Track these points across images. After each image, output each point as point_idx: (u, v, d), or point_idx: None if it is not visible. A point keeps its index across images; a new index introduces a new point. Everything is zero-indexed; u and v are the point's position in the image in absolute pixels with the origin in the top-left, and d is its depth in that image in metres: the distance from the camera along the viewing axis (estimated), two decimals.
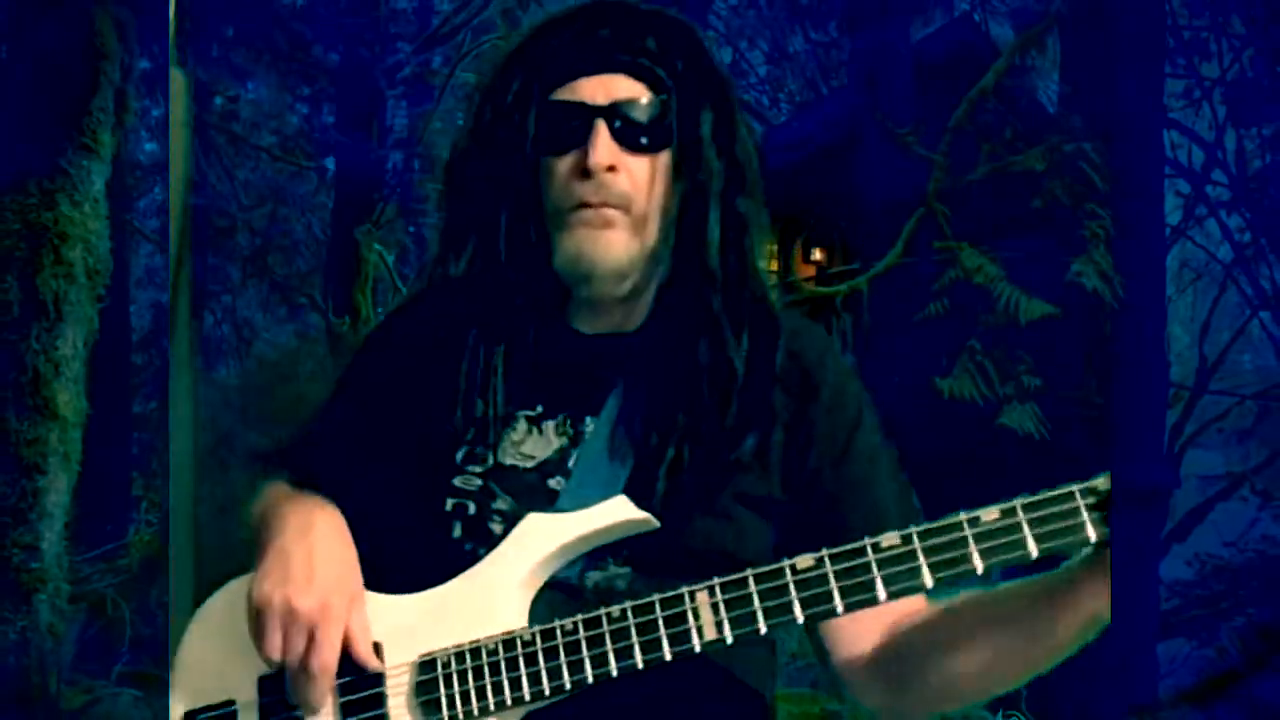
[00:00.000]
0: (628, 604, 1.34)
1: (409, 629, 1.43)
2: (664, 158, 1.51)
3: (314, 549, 1.50)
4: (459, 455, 1.53)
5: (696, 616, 1.31)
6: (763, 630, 1.34)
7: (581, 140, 1.49)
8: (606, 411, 1.51)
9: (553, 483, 1.49)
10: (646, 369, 1.51)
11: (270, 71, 11.77)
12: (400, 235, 12.34)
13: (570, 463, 1.49)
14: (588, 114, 1.48)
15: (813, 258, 12.66)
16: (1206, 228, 14.72)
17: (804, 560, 1.37)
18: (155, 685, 8.01)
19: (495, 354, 1.55)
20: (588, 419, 1.52)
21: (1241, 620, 11.40)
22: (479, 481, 1.51)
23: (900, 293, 10.30)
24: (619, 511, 1.36)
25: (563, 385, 1.54)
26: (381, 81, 12.00)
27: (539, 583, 1.38)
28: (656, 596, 1.34)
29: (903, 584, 1.42)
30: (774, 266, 12.64)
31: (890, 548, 1.40)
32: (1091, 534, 1.36)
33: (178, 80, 7.18)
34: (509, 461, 1.52)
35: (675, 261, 1.52)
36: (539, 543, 1.37)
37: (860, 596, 1.40)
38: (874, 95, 11.03)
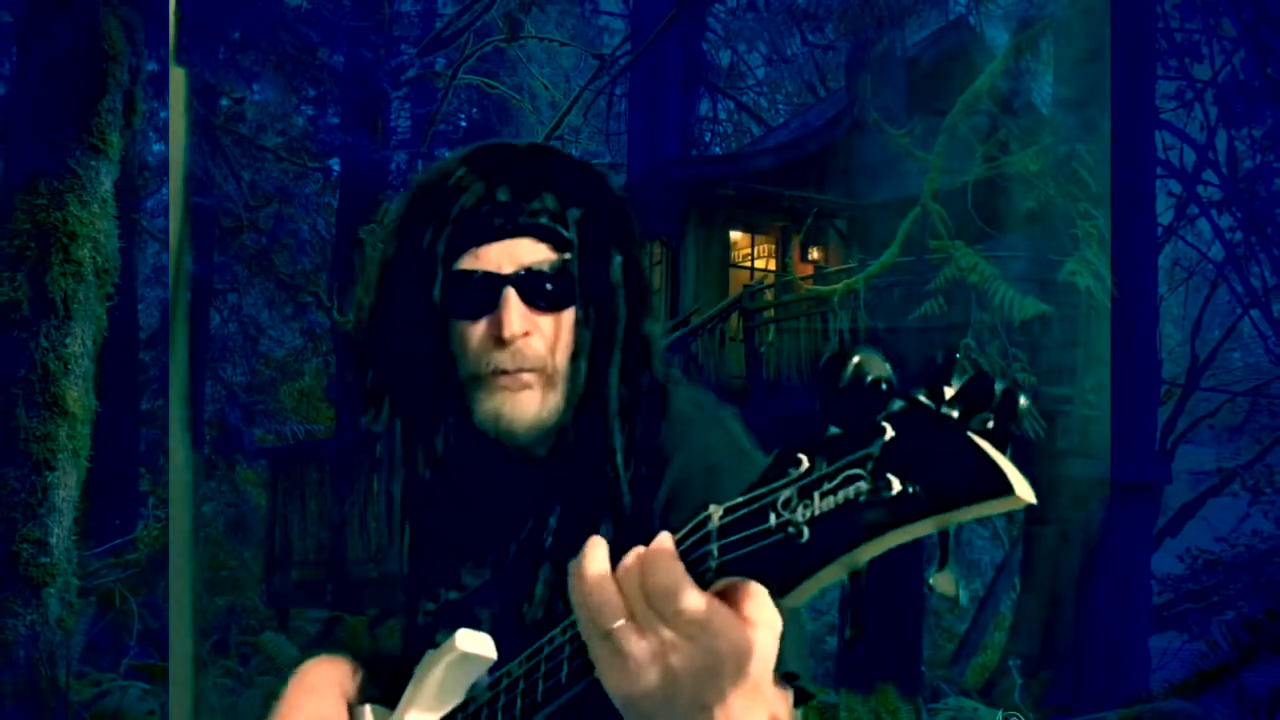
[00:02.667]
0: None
1: None
2: (571, 310, 1.52)
3: (291, 690, 1.59)
4: (424, 595, 1.63)
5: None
6: None
7: (492, 308, 1.50)
8: (517, 542, 1.56)
9: (480, 613, 1.56)
10: (549, 495, 1.54)
11: (276, 73, 11.78)
12: None
13: (488, 593, 1.57)
14: (496, 283, 1.49)
15: (810, 257, 12.66)
16: (1198, 227, 14.80)
17: None
18: (163, 678, 8.06)
19: (438, 504, 1.60)
20: (509, 548, 1.57)
21: (1232, 614, 11.43)
22: (431, 619, 1.60)
23: (896, 291, 10.32)
24: (455, 648, 1.40)
25: (491, 517, 1.59)
26: (385, 83, 12.03)
27: (437, 712, 1.43)
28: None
29: None
30: (772, 266, 12.69)
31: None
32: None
33: (178, 78, 7.20)
34: (454, 595, 1.60)
35: (583, 397, 1.51)
36: (418, 680, 1.45)
37: None
38: (870, 97, 11.05)
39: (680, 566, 1.02)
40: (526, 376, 1.49)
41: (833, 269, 11.73)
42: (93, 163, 6.39)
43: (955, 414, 0.87)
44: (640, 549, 1.06)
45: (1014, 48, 10.51)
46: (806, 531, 0.92)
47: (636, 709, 1.06)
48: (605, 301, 1.51)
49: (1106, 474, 10.22)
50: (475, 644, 1.41)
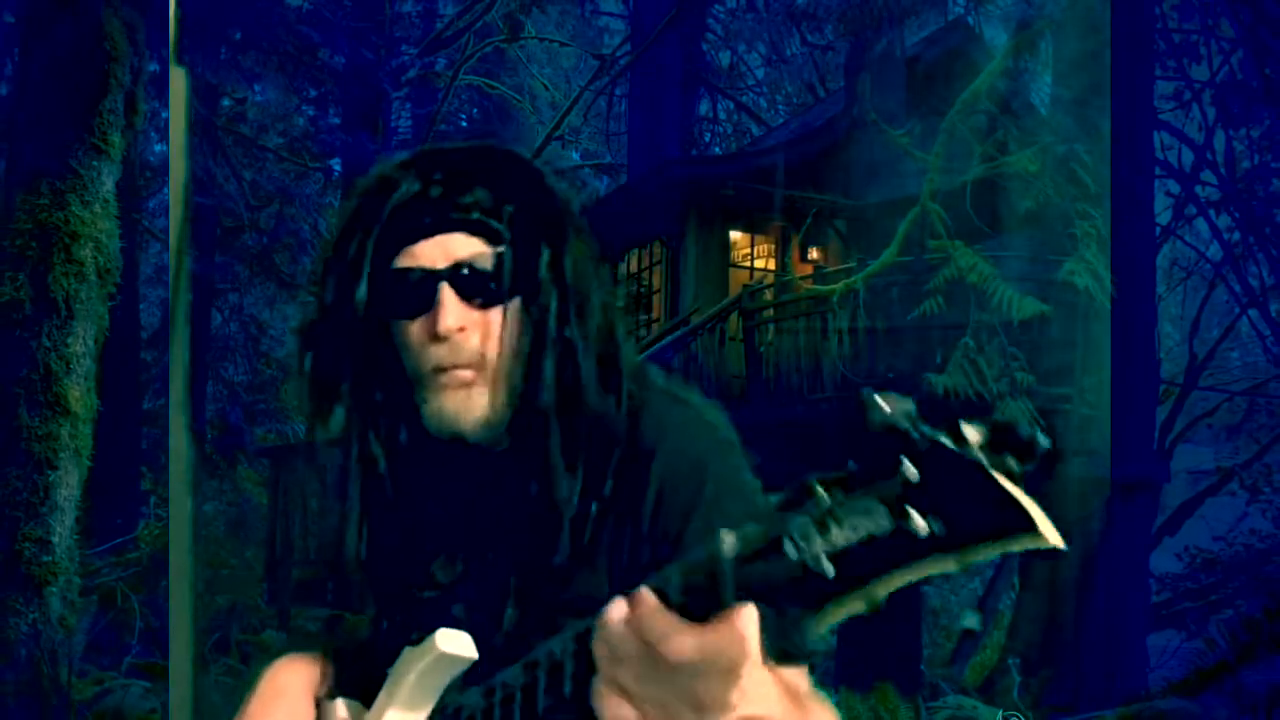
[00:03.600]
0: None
1: None
2: (511, 305, 1.51)
3: (257, 694, 1.62)
4: (397, 592, 1.63)
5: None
6: None
7: (428, 305, 1.50)
8: (477, 536, 1.57)
9: (456, 610, 1.55)
10: (502, 494, 1.54)
11: (277, 74, 11.79)
12: None
13: (462, 589, 1.57)
14: (431, 279, 1.50)
15: (810, 257, 12.68)
16: (1196, 227, 14.81)
17: None
18: (164, 676, 8.07)
19: (395, 493, 1.61)
20: (469, 545, 1.58)
21: (1230, 612, 11.43)
22: (406, 616, 1.59)
23: (896, 291, 10.34)
24: (435, 648, 1.42)
25: (460, 514, 1.59)
26: (386, 83, 12.05)
27: (417, 711, 1.46)
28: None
29: None
30: (772, 266, 12.71)
31: None
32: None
33: (179, 78, 7.20)
34: (428, 594, 1.60)
35: (524, 390, 1.51)
36: (396, 678, 1.47)
37: None
38: (870, 98, 11.06)
39: (668, 619, 1.06)
40: (464, 373, 1.50)
41: (832, 269, 11.73)
42: (94, 163, 6.40)
43: (979, 455, 0.89)
44: (631, 603, 1.08)
45: (1013, 48, 10.52)
46: (826, 564, 0.93)
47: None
48: (534, 296, 1.51)
49: (1105, 473, 10.22)
50: (455, 644, 1.43)
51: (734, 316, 11.26)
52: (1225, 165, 13.74)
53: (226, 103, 12.45)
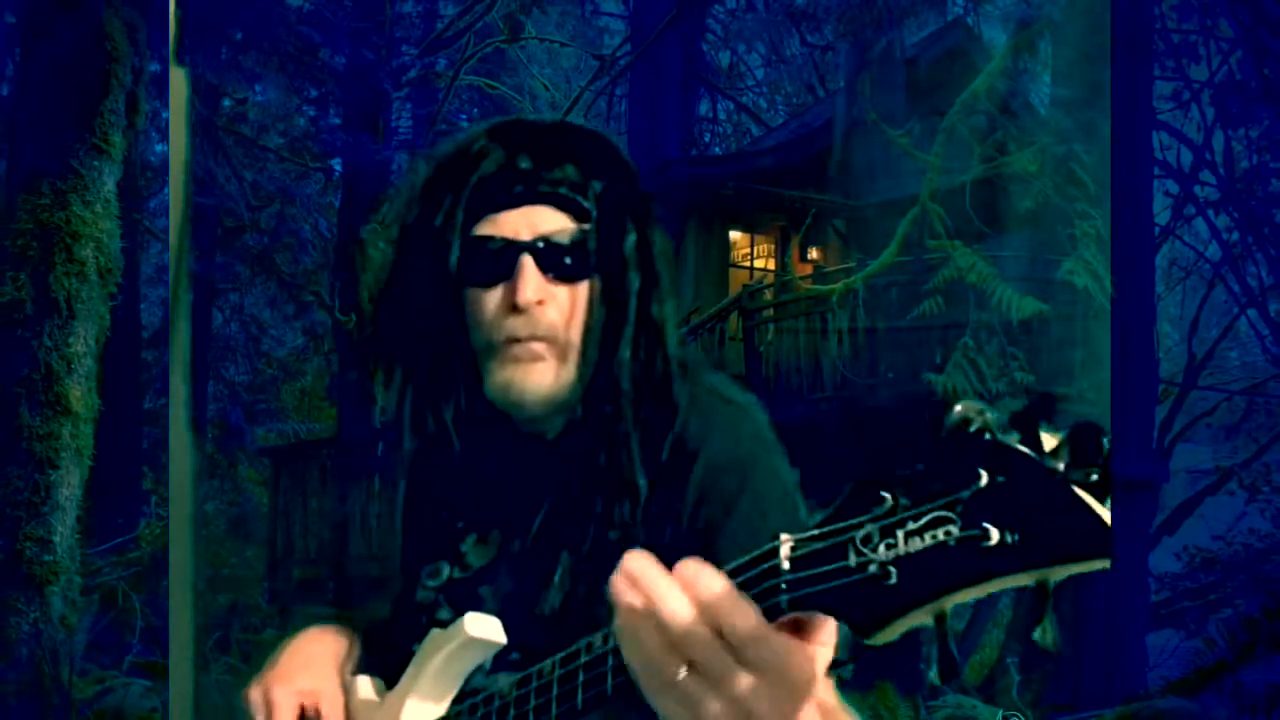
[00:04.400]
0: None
1: None
2: (587, 283, 1.51)
3: (283, 657, 1.62)
4: (425, 572, 1.61)
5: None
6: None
7: (508, 274, 1.49)
8: (524, 517, 1.54)
9: (483, 591, 1.54)
10: (563, 479, 1.52)
11: (278, 74, 11.79)
12: None
13: (498, 572, 1.55)
14: (514, 250, 1.49)
15: (809, 257, 12.68)
16: (1195, 227, 14.79)
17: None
18: (165, 675, 8.07)
19: (445, 476, 1.60)
20: (515, 527, 1.55)
21: (1229, 612, 11.42)
22: (432, 596, 1.59)
23: (895, 291, 10.35)
24: (464, 631, 1.40)
25: (499, 495, 1.57)
26: (387, 84, 12.04)
27: (442, 696, 1.44)
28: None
29: None
30: (771, 266, 12.72)
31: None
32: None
33: (179, 78, 7.20)
34: (458, 574, 1.58)
35: (594, 374, 1.50)
36: (423, 660, 1.45)
37: None
38: (869, 98, 11.07)
39: (755, 609, 0.96)
40: (538, 346, 1.49)
41: (832, 269, 11.73)
42: (95, 163, 6.43)
43: (1060, 465, 0.84)
44: (687, 580, 0.98)
45: (1012, 48, 10.52)
46: (893, 572, 0.88)
47: None
48: (619, 276, 1.51)
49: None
50: (484, 629, 1.41)
51: (734, 316, 11.26)
52: (1224, 165, 13.74)
53: (227, 103, 12.44)
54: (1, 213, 6.48)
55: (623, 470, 1.47)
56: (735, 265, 12.75)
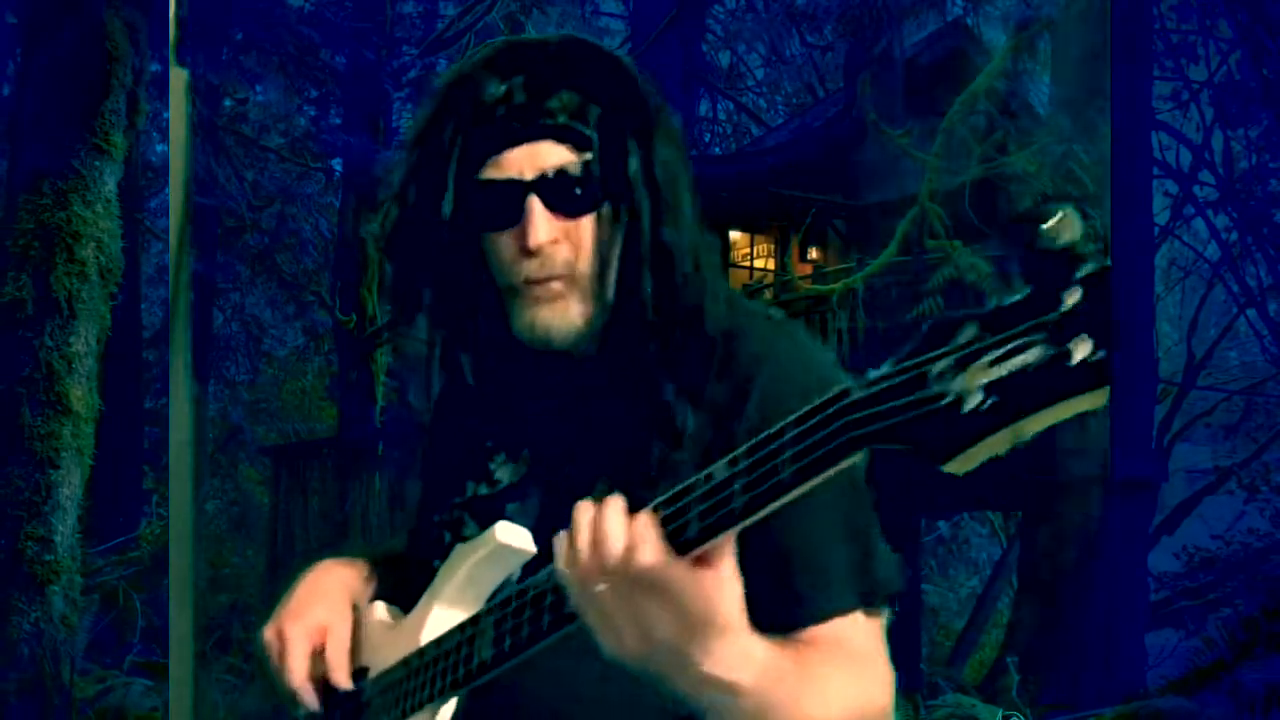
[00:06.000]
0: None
1: (390, 653, 1.52)
2: (602, 211, 1.47)
3: (296, 593, 1.60)
4: (450, 491, 1.61)
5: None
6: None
7: (517, 217, 1.46)
8: (555, 440, 1.54)
9: (510, 508, 1.53)
10: (598, 401, 1.50)
11: (279, 74, 11.80)
12: None
13: (527, 488, 1.54)
14: (519, 190, 1.46)
15: (809, 257, 12.67)
16: (1194, 227, 14.84)
17: None
18: (166, 675, 8.08)
19: (478, 405, 1.59)
20: (544, 446, 1.55)
21: (1228, 611, 11.43)
22: (457, 513, 1.58)
23: (894, 291, 10.36)
24: (494, 538, 1.40)
25: (530, 415, 1.56)
26: (387, 84, 12.06)
27: (467, 609, 1.43)
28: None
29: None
30: (771, 265, 12.73)
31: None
32: (787, 476, 1.00)
33: (179, 78, 7.19)
34: (484, 490, 1.58)
35: (618, 298, 1.48)
36: (448, 573, 1.45)
37: None
38: (869, 98, 11.07)
39: (658, 546, 1.10)
40: (557, 285, 1.47)
41: (831, 269, 11.75)
42: (96, 163, 6.43)
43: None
44: (606, 511, 1.12)
45: (1011, 49, 10.54)
46: (970, 399, 0.89)
47: (624, 657, 1.15)
48: (628, 202, 1.47)
49: (1104, 472, 10.25)
50: (515, 536, 1.41)
51: None
52: (1223, 165, 13.78)
53: (228, 103, 12.44)
54: (3, 213, 6.48)
55: (659, 395, 1.46)
56: (735, 265, 12.74)
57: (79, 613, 6.51)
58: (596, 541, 1.12)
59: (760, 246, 12.98)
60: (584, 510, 1.14)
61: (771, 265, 12.72)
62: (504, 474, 1.58)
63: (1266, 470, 14.09)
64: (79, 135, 6.40)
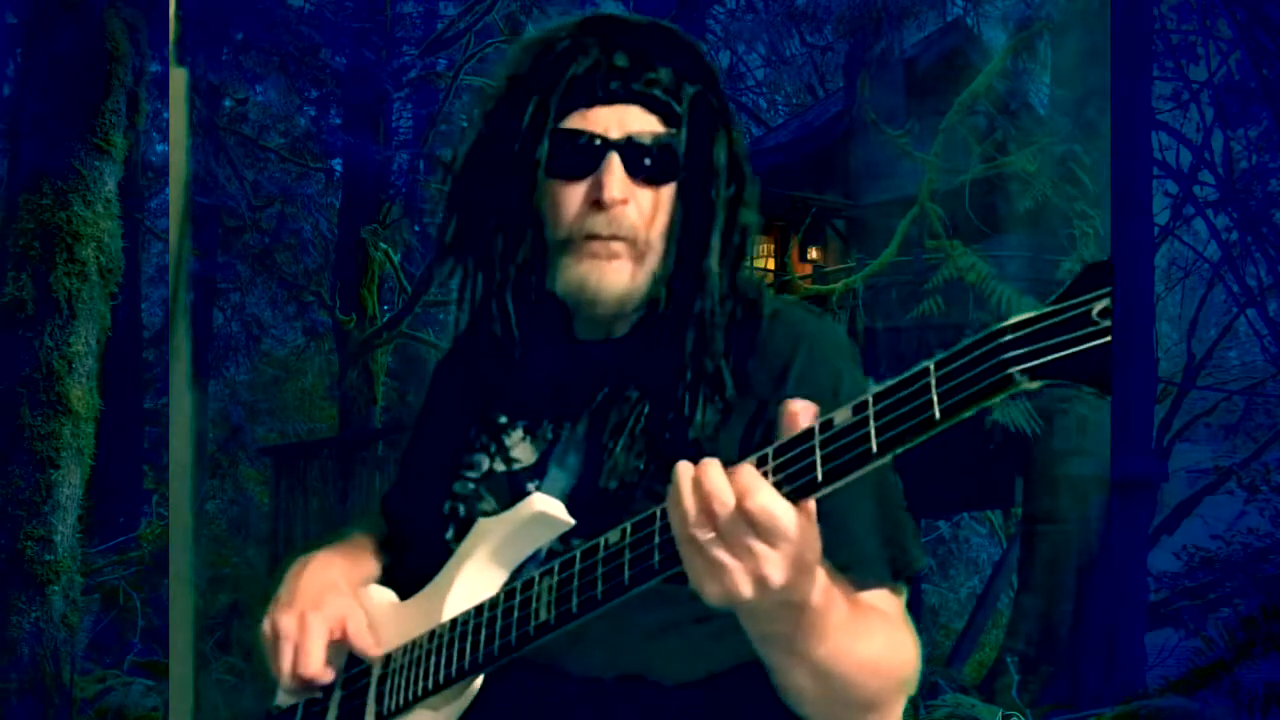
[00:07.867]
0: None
1: (403, 630, 1.52)
2: (671, 186, 1.51)
3: (301, 576, 1.60)
4: (463, 462, 1.61)
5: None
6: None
7: (593, 171, 1.49)
8: (585, 417, 1.54)
9: (530, 486, 1.53)
10: (629, 375, 1.52)
11: (279, 74, 11.80)
12: (406, 234, 12.39)
13: (547, 466, 1.55)
14: (603, 147, 1.49)
15: (809, 257, 12.66)
16: (1194, 227, 14.85)
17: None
18: (166, 675, 8.08)
19: (497, 368, 1.60)
20: (567, 424, 1.55)
21: (1228, 611, 11.43)
22: (472, 486, 1.58)
23: (895, 291, 10.36)
24: (532, 507, 1.40)
25: (554, 392, 1.57)
26: (388, 84, 12.06)
27: (492, 582, 1.44)
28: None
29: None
30: (770, 265, 12.72)
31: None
32: (937, 414, 1.07)
33: (179, 78, 7.19)
34: (500, 467, 1.57)
35: (670, 274, 1.51)
36: (474, 545, 1.45)
37: None
38: (869, 98, 11.08)
39: (774, 492, 1.16)
40: (617, 245, 1.50)
41: (831, 268, 11.75)
42: (96, 163, 6.44)
43: None
44: (707, 466, 1.17)
45: (1011, 49, 10.55)
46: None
47: (729, 603, 1.19)
48: (707, 182, 1.51)
49: (1104, 472, 10.25)
50: (552, 506, 1.42)
51: None
52: (1223, 165, 13.79)
53: (228, 103, 12.43)
54: (3, 213, 6.49)
55: (705, 371, 1.49)
56: None
57: (79, 613, 6.52)
58: (707, 493, 1.16)
59: (760, 247, 12.97)
60: (685, 467, 1.18)
61: (771, 265, 12.70)
62: (521, 450, 1.59)
63: (1266, 470, 14.08)
64: (79, 135, 6.42)
